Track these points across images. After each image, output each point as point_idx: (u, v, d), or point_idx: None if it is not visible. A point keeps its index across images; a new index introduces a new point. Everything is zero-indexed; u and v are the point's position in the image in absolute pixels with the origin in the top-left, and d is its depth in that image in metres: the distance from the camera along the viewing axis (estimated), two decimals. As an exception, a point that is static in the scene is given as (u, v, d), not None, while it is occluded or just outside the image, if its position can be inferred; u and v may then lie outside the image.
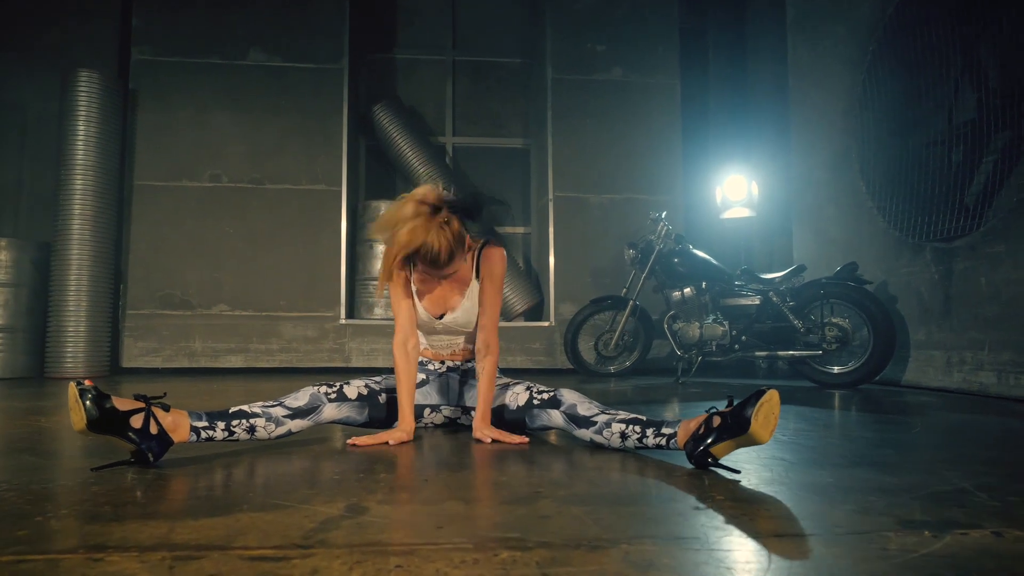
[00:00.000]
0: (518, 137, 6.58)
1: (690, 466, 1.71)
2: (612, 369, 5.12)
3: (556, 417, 2.05)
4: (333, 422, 2.10)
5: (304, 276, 5.50)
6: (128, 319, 5.29)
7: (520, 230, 6.56)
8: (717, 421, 1.66)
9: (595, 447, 2.00)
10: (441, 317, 2.18)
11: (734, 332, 4.49)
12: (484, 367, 2.12)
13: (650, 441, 1.84)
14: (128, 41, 5.55)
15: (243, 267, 5.42)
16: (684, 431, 1.76)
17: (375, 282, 5.80)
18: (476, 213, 1.98)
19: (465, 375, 2.31)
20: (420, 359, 2.30)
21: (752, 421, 1.57)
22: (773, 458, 1.89)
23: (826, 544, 1.11)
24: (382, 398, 2.15)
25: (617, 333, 4.98)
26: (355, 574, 0.95)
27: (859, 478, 1.63)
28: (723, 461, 1.68)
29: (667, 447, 1.81)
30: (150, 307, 5.32)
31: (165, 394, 1.81)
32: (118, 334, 5.30)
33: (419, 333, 2.24)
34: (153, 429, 1.69)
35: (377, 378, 2.21)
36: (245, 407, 1.93)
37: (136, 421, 1.67)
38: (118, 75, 5.47)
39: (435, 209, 1.89)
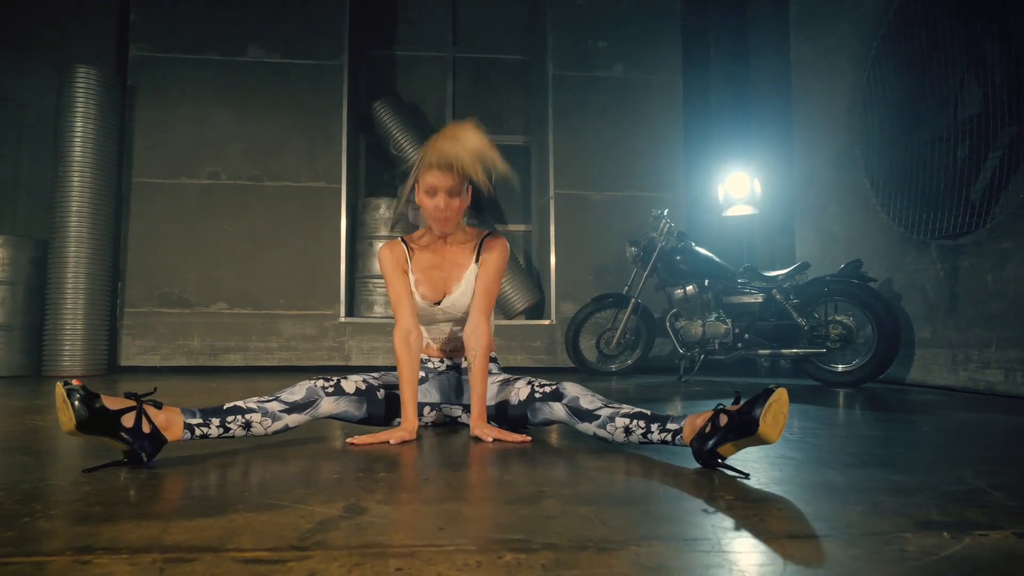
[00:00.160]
0: (519, 134, 6.54)
1: (697, 464, 1.67)
2: (614, 368, 5.08)
3: (558, 410, 2.00)
4: (330, 417, 2.05)
5: (304, 274, 5.46)
6: (126, 317, 5.25)
7: (521, 228, 6.52)
8: (724, 420, 1.61)
9: (598, 442, 1.96)
10: (439, 303, 2.15)
11: (737, 330, 4.45)
12: (475, 355, 2.06)
13: (655, 437, 1.80)
14: (126, 37, 5.51)
15: (242, 265, 5.38)
16: (690, 427, 1.72)
17: (375, 280, 5.76)
18: (478, 204, 2.15)
19: (465, 372, 2.27)
20: (421, 356, 2.27)
21: (761, 422, 1.52)
22: (782, 457, 1.85)
23: (841, 545, 1.07)
24: (380, 394, 2.10)
25: (619, 331, 4.94)
26: (353, 577, 0.91)
27: (870, 477, 1.59)
28: (731, 461, 1.64)
29: (672, 443, 1.77)
30: (148, 305, 5.28)
31: (155, 389, 1.77)
32: (116, 332, 5.26)
33: (421, 328, 2.21)
34: (146, 428, 1.64)
35: (376, 373, 2.17)
36: (240, 403, 1.88)
37: (128, 420, 1.62)
38: (116, 71, 5.43)
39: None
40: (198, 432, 1.78)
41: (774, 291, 4.39)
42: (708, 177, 6.15)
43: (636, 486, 1.52)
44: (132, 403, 1.64)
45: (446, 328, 2.24)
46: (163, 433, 1.69)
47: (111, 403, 1.60)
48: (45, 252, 4.97)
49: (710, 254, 4.68)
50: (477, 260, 2.16)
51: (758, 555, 1.03)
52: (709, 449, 1.61)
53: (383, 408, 2.11)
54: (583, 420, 1.94)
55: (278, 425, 1.92)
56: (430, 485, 1.49)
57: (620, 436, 1.87)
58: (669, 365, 5.38)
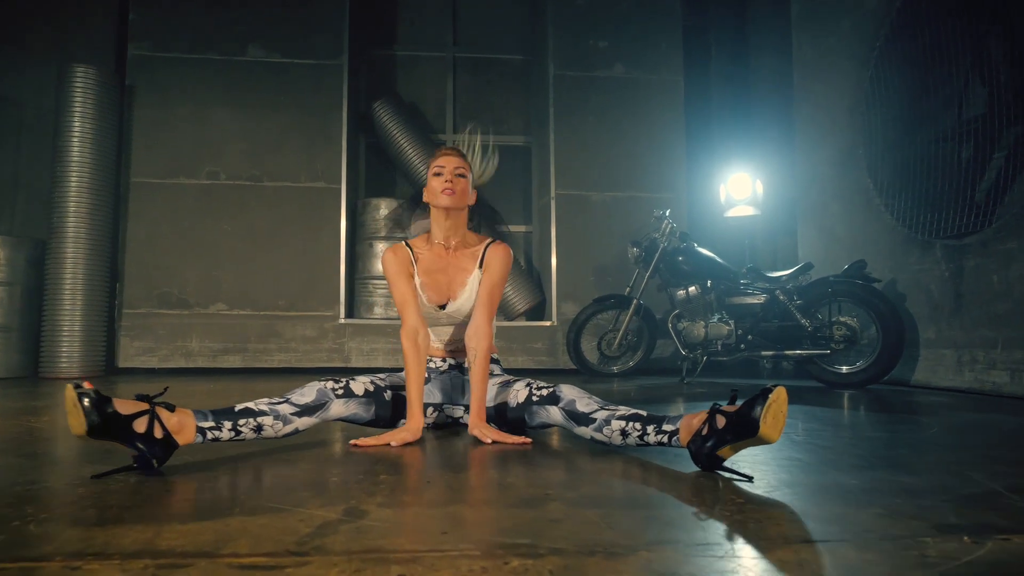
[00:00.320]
0: (519, 134, 6.51)
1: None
2: (615, 369, 5.04)
3: (555, 414, 1.97)
4: (340, 419, 2.00)
5: (303, 275, 5.43)
6: (124, 318, 5.22)
7: (521, 229, 6.49)
8: (722, 421, 1.56)
9: (596, 445, 1.93)
10: (443, 307, 2.17)
11: (740, 331, 4.41)
12: (475, 356, 2.07)
13: (651, 439, 1.76)
14: (125, 36, 5.48)
15: (241, 266, 5.35)
16: (686, 428, 1.68)
17: (375, 281, 5.72)
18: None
19: (467, 372, 2.24)
20: None
21: (761, 423, 1.47)
22: (789, 459, 1.82)
23: (859, 550, 1.04)
24: (387, 395, 2.07)
25: (621, 332, 4.90)
26: (353, 584, 0.88)
27: (881, 479, 1.56)
28: (731, 462, 1.60)
29: (669, 444, 1.73)
30: (147, 306, 5.24)
31: (166, 389, 1.72)
32: (114, 333, 5.22)
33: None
34: (158, 433, 1.57)
35: (382, 375, 2.14)
36: (251, 404, 1.83)
37: (140, 425, 1.55)
38: (115, 71, 5.40)
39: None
40: (210, 435, 1.71)
41: (777, 292, 4.36)
42: (709, 178, 6.12)
43: (641, 489, 1.49)
44: (144, 406, 1.58)
45: (449, 329, 2.23)
46: (175, 437, 1.62)
47: (123, 407, 1.54)
48: (43, 252, 4.94)
49: (712, 255, 4.65)
50: (481, 266, 2.18)
51: (772, 561, 1.00)
52: (708, 452, 1.58)
53: (389, 410, 2.08)
54: (579, 424, 1.91)
55: (288, 428, 1.87)
56: (432, 488, 1.46)
57: (617, 439, 1.83)
58: (671, 367, 5.34)
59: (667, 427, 1.74)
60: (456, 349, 2.25)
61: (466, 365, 2.24)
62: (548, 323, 5.65)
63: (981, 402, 3.34)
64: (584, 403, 1.92)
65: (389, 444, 1.93)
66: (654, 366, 5.28)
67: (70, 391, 1.48)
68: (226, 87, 5.44)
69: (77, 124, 4.89)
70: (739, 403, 1.57)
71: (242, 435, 1.78)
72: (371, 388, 2.05)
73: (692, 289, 4.57)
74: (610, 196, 5.76)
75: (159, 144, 5.35)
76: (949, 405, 3.23)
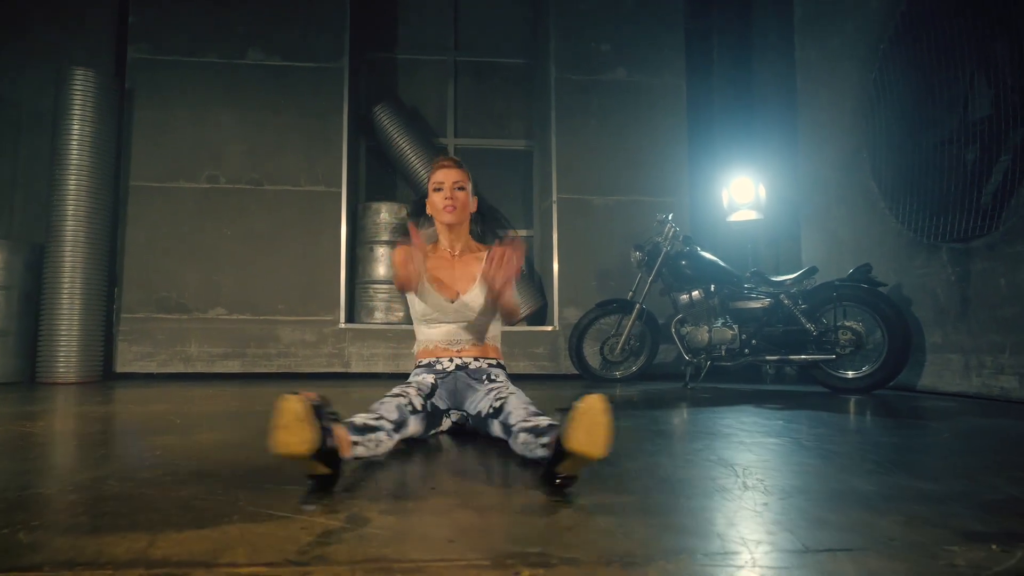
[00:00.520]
0: (521, 138, 6.48)
1: (720, 472, 1.59)
2: (618, 374, 5.00)
3: (496, 428, 1.91)
4: (407, 438, 1.89)
5: (303, 279, 5.38)
6: (122, 323, 5.17)
7: (523, 233, 6.45)
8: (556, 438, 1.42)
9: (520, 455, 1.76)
10: (453, 302, 2.20)
11: (744, 336, 4.37)
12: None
13: (539, 453, 1.59)
14: (125, 39, 5.45)
15: (241, 270, 5.31)
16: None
17: (376, 285, 5.68)
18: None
19: (472, 375, 2.20)
20: (429, 360, 2.23)
21: (572, 440, 1.30)
22: (800, 464, 1.78)
23: (884, 558, 0.99)
24: (429, 406, 2.04)
25: (623, 337, 4.86)
26: (357, 595, 0.84)
27: (898, 485, 1.51)
28: (734, 463, 1.56)
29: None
30: (145, 310, 5.19)
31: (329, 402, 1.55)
32: (112, 338, 5.17)
33: (430, 327, 2.24)
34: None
35: (411, 388, 2.03)
36: (362, 420, 1.68)
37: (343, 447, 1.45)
38: (115, 74, 5.36)
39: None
40: (353, 452, 1.55)
41: (782, 296, 4.31)
42: (712, 182, 6.08)
43: (655, 493, 1.45)
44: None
45: (456, 328, 2.23)
46: (341, 454, 1.47)
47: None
48: (41, 256, 4.90)
49: (716, 259, 4.60)
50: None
51: (799, 570, 0.95)
52: (544, 471, 1.44)
53: (430, 419, 2.05)
54: (508, 436, 1.80)
55: (391, 444, 1.75)
56: (436, 494, 1.41)
57: (521, 450, 1.69)
58: (674, 372, 5.30)
59: (543, 439, 1.57)
60: (462, 349, 2.23)
61: (472, 366, 2.22)
62: (550, 328, 5.60)
63: (990, 407, 3.30)
64: (516, 415, 1.80)
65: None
66: (657, 371, 5.24)
67: (296, 402, 1.30)
68: (226, 90, 5.41)
69: (76, 127, 4.85)
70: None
71: (370, 452, 1.64)
72: (421, 403, 1.98)
73: (695, 293, 4.53)
74: (612, 200, 5.72)
75: (159, 147, 5.31)
76: (957, 410, 3.18)
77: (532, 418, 1.72)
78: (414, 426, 1.90)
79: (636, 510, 1.30)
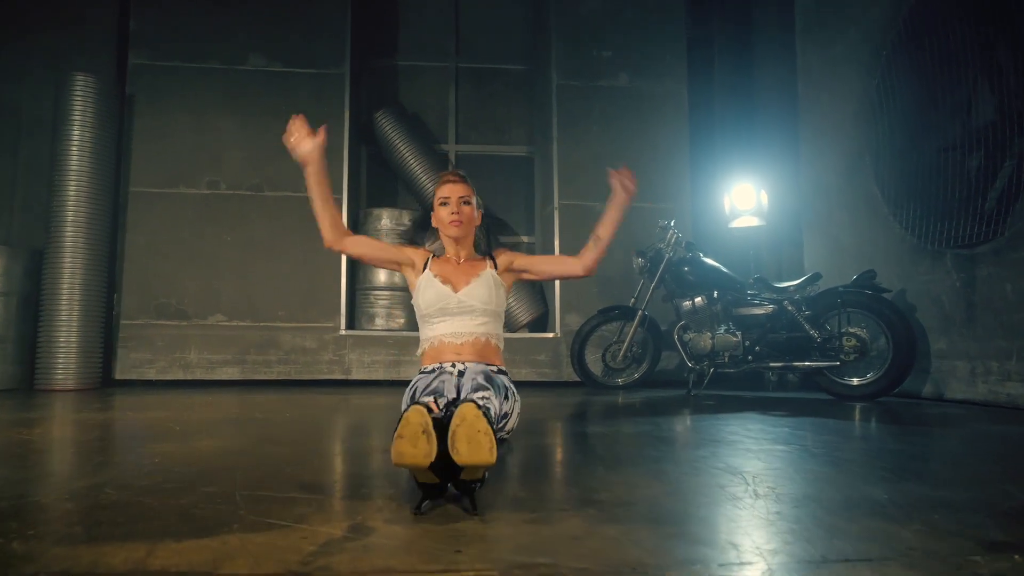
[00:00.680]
0: (522, 144, 6.46)
1: (724, 480, 1.56)
2: (620, 381, 4.96)
3: None
4: None
5: (303, 285, 5.35)
6: (122, 329, 5.14)
7: (524, 239, 6.42)
8: None
9: None
10: (457, 292, 2.23)
11: (747, 342, 4.33)
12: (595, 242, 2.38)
13: None
14: (126, 45, 5.44)
15: (241, 276, 5.28)
16: None
17: (376, 292, 5.65)
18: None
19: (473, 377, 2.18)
20: (432, 367, 2.19)
21: (455, 455, 1.30)
22: (810, 472, 1.75)
23: (905, 569, 0.96)
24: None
25: (625, 344, 4.82)
26: (363, 608, 0.80)
27: (912, 493, 1.48)
28: (745, 468, 1.53)
29: None
30: (144, 317, 5.16)
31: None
32: (111, 345, 5.14)
33: (435, 323, 2.23)
34: None
35: (427, 391, 1.94)
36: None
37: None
38: (115, 79, 5.35)
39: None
40: None
41: (785, 302, 4.28)
42: (713, 188, 6.06)
43: (663, 501, 1.41)
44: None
45: (461, 321, 2.20)
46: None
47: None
48: (40, 262, 4.87)
49: (718, 265, 4.58)
50: (495, 267, 2.33)
51: (815, 581, 0.92)
52: (456, 479, 1.39)
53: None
54: None
55: None
56: (440, 502, 1.38)
57: None
58: (677, 379, 5.26)
59: None
60: (464, 343, 2.19)
61: (475, 369, 2.16)
62: (551, 335, 5.57)
63: (997, 414, 3.26)
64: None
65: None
66: (659, 378, 5.20)
67: (421, 415, 1.31)
68: (227, 96, 5.40)
69: (76, 133, 4.83)
70: None
71: None
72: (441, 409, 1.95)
73: (698, 300, 4.50)
74: (614, 206, 5.69)
75: (159, 153, 5.29)
76: (965, 417, 3.15)
77: None
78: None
79: (645, 519, 1.27)
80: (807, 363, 4.16)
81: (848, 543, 1.12)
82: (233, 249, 5.28)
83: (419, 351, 2.31)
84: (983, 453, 2.17)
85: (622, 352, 4.83)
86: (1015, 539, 1.11)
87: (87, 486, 1.48)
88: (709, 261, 4.58)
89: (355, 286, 5.74)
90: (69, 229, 4.77)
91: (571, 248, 5.58)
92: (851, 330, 4.07)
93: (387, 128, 5.95)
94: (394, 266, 2.37)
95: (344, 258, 5.42)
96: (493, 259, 2.36)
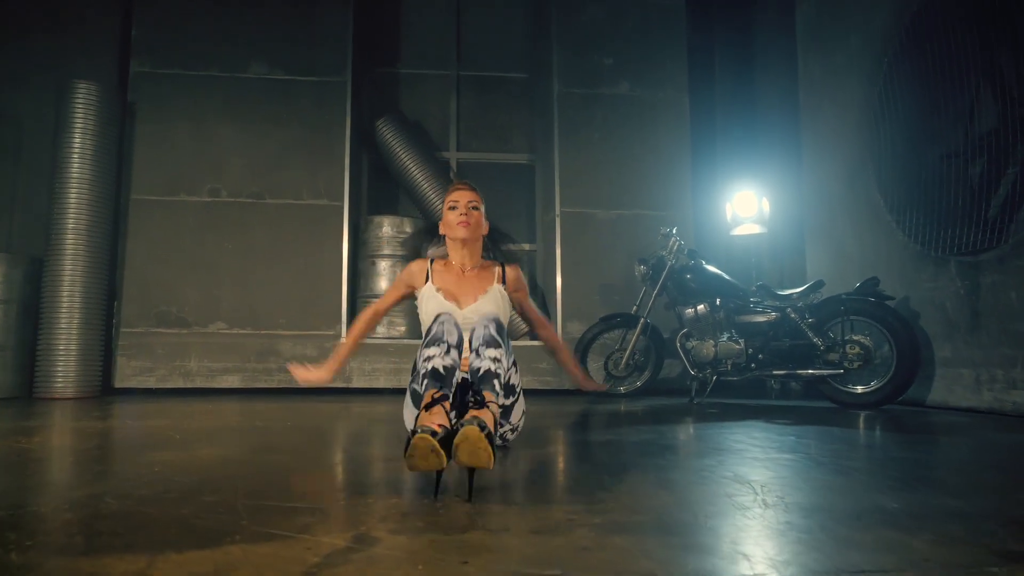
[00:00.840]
0: (523, 152, 6.46)
1: (747, 487, 1.54)
2: (623, 389, 4.94)
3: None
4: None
5: (304, 293, 5.33)
6: (122, 337, 5.12)
7: (526, 247, 6.41)
8: None
9: None
10: (462, 309, 2.26)
11: (750, 350, 4.31)
12: (555, 347, 2.51)
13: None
14: (127, 53, 5.44)
15: (242, 284, 5.26)
16: None
17: (377, 299, 5.63)
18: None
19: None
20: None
21: (457, 461, 1.49)
22: (818, 480, 1.73)
23: (922, 582, 0.94)
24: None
25: (628, 352, 4.80)
26: (369, 621, 0.78)
27: (924, 503, 1.46)
28: (752, 477, 1.51)
29: None
30: (144, 325, 5.14)
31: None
32: (110, 353, 5.12)
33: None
34: None
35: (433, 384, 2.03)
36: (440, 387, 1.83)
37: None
38: (116, 87, 5.35)
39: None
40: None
41: (788, 310, 4.26)
42: (715, 195, 6.06)
43: (671, 511, 1.39)
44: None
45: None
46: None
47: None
48: (40, 270, 4.85)
49: (721, 272, 4.56)
50: (503, 281, 2.35)
51: (830, 593, 0.90)
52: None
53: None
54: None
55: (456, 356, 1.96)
56: (446, 512, 1.36)
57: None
58: (680, 387, 5.24)
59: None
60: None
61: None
62: (553, 342, 5.54)
63: (1002, 422, 3.24)
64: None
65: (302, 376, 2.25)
66: (662, 386, 5.18)
67: (426, 440, 1.45)
68: (228, 104, 5.40)
69: (77, 140, 4.83)
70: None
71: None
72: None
73: (701, 307, 4.48)
74: (615, 214, 5.70)
75: (160, 161, 5.29)
76: (970, 425, 3.13)
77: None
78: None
79: (654, 528, 1.25)
80: (811, 371, 4.14)
81: (861, 554, 1.10)
82: (234, 257, 5.27)
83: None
84: (991, 462, 2.15)
85: (624, 360, 4.81)
86: (1031, 550, 1.09)
87: (87, 495, 1.46)
88: (711, 268, 4.56)
89: (356, 294, 5.73)
90: (70, 236, 4.76)
91: (573, 255, 5.58)
92: (855, 338, 4.05)
93: (388, 136, 5.95)
94: (406, 299, 2.42)
95: (345, 266, 5.41)
96: (503, 267, 2.38)
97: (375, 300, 5.64)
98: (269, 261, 5.30)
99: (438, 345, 1.89)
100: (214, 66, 5.41)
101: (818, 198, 5.23)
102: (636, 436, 2.61)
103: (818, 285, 4.31)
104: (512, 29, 6.53)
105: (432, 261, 2.39)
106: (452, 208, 2.30)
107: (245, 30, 5.47)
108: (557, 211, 5.65)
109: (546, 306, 5.91)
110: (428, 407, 1.65)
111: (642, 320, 4.76)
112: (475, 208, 2.31)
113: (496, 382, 1.85)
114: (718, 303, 4.44)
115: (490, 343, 1.91)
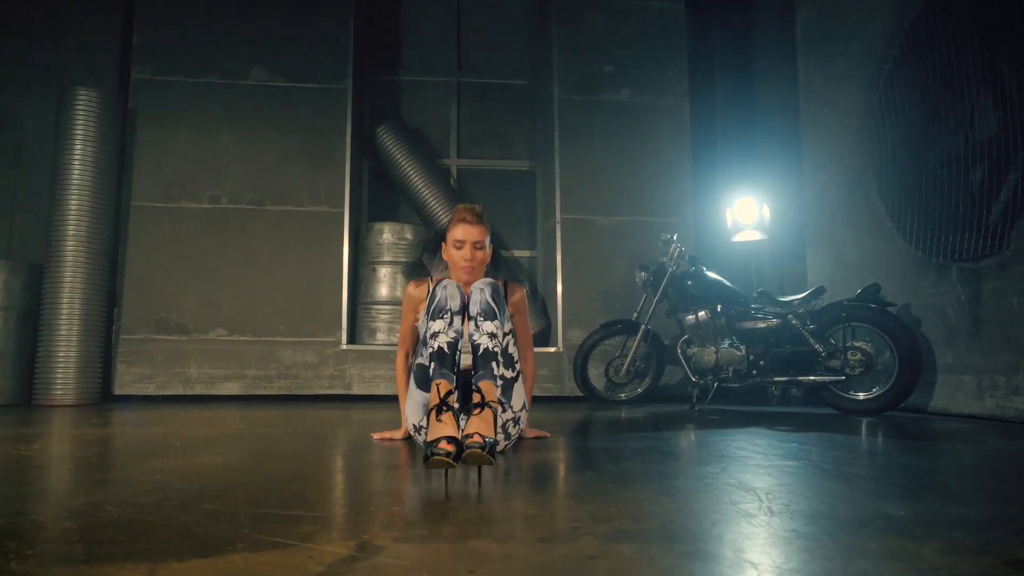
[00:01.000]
0: (524, 159, 6.47)
1: (751, 495, 1.53)
2: (623, 396, 4.93)
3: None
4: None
5: (305, 300, 5.33)
6: (121, 344, 5.11)
7: (526, 254, 6.42)
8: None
9: None
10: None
11: (751, 357, 4.30)
12: (524, 375, 2.44)
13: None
14: (128, 60, 5.46)
15: (242, 290, 5.26)
16: None
17: (378, 306, 5.63)
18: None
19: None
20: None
21: (463, 462, 1.67)
22: (822, 487, 1.71)
23: (932, 591, 0.93)
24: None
25: (628, 359, 4.79)
26: (374, 631, 0.77)
27: (931, 510, 1.45)
28: (757, 485, 1.50)
29: None
30: (144, 331, 5.13)
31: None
32: (110, 360, 5.11)
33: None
34: None
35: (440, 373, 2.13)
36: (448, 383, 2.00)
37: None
38: (118, 94, 5.36)
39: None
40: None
41: (790, 316, 4.26)
42: (716, 202, 6.07)
43: (675, 520, 1.38)
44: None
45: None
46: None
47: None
48: (40, 276, 4.85)
49: (722, 279, 4.56)
50: (505, 300, 2.35)
51: (840, 602, 0.89)
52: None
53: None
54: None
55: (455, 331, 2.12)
56: (451, 519, 1.35)
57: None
58: (681, 393, 5.23)
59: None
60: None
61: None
62: (553, 349, 5.54)
63: (1005, 429, 3.23)
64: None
65: (392, 439, 2.49)
66: (663, 393, 5.17)
67: (442, 461, 1.62)
68: (229, 110, 5.41)
69: (78, 147, 4.83)
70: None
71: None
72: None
73: (702, 314, 4.48)
74: (616, 220, 5.70)
75: (161, 167, 5.29)
76: (973, 432, 3.12)
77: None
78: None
79: (659, 536, 1.24)
80: (812, 377, 4.13)
81: (869, 562, 1.09)
82: (234, 264, 5.27)
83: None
84: (996, 469, 2.14)
85: (625, 367, 4.81)
86: (1041, 558, 1.08)
87: (87, 503, 1.45)
88: (712, 275, 4.56)
89: (356, 300, 5.72)
90: (70, 243, 4.76)
91: (573, 261, 5.58)
92: (856, 344, 4.05)
93: (389, 143, 5.96)
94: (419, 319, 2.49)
95: (345, 272, 5.41)
96: (507, 286, 2.41)
97: (376, 305, 5.66)
98: (269, 268, 5.30)
99: (442, 317, 2.04)
100: (215, 73, 5.42)
101: (819, 204, 5.23)
102: (638, 443, 2.60)
103: (819, 291, 4.31)
104: (513, 36, 6.55)
105: (433, 283, 2.42)
106: (457, 247, 2.31)
107: (246, 37, 5.48)
108: (558, 218, 5.65)
109: (547, 312, 5.91)
110: (438, 411, 1.77)
111: (643, 327, 4.75)
112: (480, 248, 2.32)
113: (494, 363, 2.01)
114: (719, 309, 4.44)
115: (487, 314, 2.08)
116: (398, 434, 2.54)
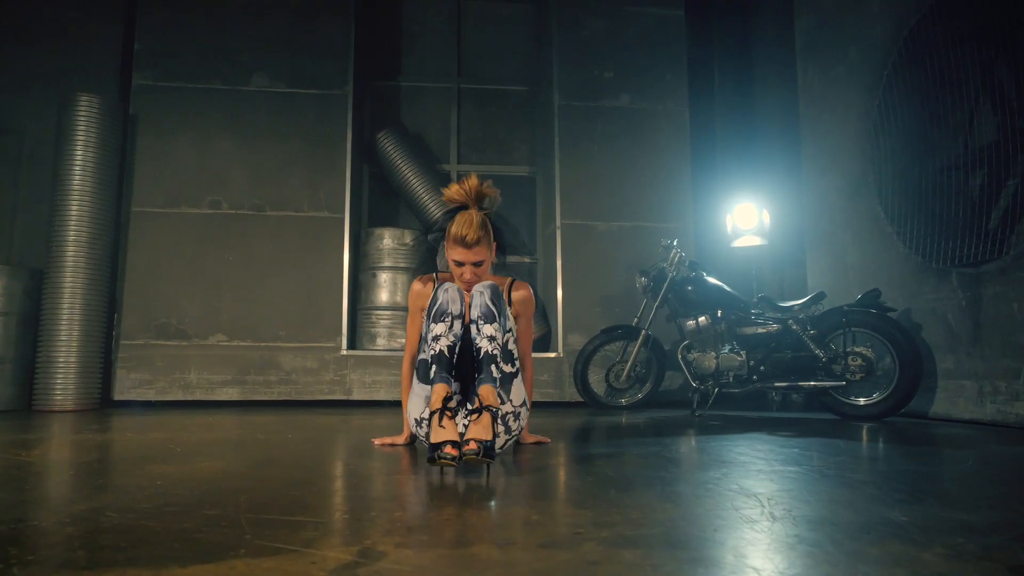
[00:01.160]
0: (524, 164, 6.48)
1: (754, 500, 1.53)
2: (624, 401, 4.93)
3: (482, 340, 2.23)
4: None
5: (305, 305, 5.33)
6: (121, 349, 5.10)
7: (526, 259, 6.42)
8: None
9: None
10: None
11: (752, 362, 4.30)
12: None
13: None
14: (129, 66, 5.47)
15: (242, 296, 5.26)
16: None
17: (378, 311, 5.63)
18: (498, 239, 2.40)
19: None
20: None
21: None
22: (824, 493, 1.71)
23: (936, 596, 0.93)
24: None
25: (629, 364, 4.79)
26: (377, 637, 0.77)
27: (933, 516, 1.45)
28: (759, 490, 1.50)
29: None
30: (144, 337, 5.13)
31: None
32: (110, 365, 5.10)
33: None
34: None
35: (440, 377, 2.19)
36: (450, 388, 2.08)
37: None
38: (118, 99, 5.37)
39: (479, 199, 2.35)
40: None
41: (790, 322, 4.26)
42: (715, 208, 6.07)
43: (678, 526, 1.38)
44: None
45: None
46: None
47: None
48: (40, 282, 4.85)
49: (722, 284, 4.56)
50: (509, 301, 2.37)
51: (844, 608, 0.89)
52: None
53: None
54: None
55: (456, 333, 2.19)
56: (452, 525, 1.35)
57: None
58: (681, 399, 5.22)
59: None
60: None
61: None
62: (554, 354, 5.54)
63: (1006, 434, 3.23)
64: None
65: (395, 444, 2.53)
66: (663, 398, 5.16)
67: (447, 463, 1.80)
68: (230, 116, 5.42)
69: (79, 153, 4.84)
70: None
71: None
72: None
73: (702, 319, 4.48)
74: (616, 226, 5.70)
75: (161, 173, 5.30)
76: (974, 438, 3.12)
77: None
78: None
79: (662, 542, 1.23)
80: (813, 383, 4.13)
81: (872, 567, 1.08)
82: (234, 269, 5.27)
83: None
84: (997, 474, 2.14)
85: (625, 372, 4.81)
86: (1044, 563, 1.08)
87: (88, 509, 1.45)
88: (712, 280, 4.56)
89: (357, 306, 5.72)
90: (70, 249, 4.76)
91: (574, 267, 5.59)
92: (857, 349, 4.05)
93: (389, 148, 5.97)
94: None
95: (346, 278, 5.41)
96: (512, 283, 2.41)
97: (376, 311, 5.67)
98: (270, 273, 5.30)
99: (443, 320, 2.08)
100: (216, 79, 5.43)
101: (818, 209, 5.24)
102: (640, 449, 2.60)
103: (819, 297, 4.31)
104: (513, 42, 6.57)
105: (437, 277, 2.43)
106: (458, 264, 2.29)
107: (247, 43, 5.50)
108: (558, 223, 5.66)
109: (547, 317, 5.91)
110: (440, 416, 1.85)
111: (643, 332, 4.76)
112: (479, 264, 2.29)
113: (493, 367, 2.07)
114: (719, 315, 4.44)
115: (487, 316, 2.12)
116: (400, 439, 2.56)
